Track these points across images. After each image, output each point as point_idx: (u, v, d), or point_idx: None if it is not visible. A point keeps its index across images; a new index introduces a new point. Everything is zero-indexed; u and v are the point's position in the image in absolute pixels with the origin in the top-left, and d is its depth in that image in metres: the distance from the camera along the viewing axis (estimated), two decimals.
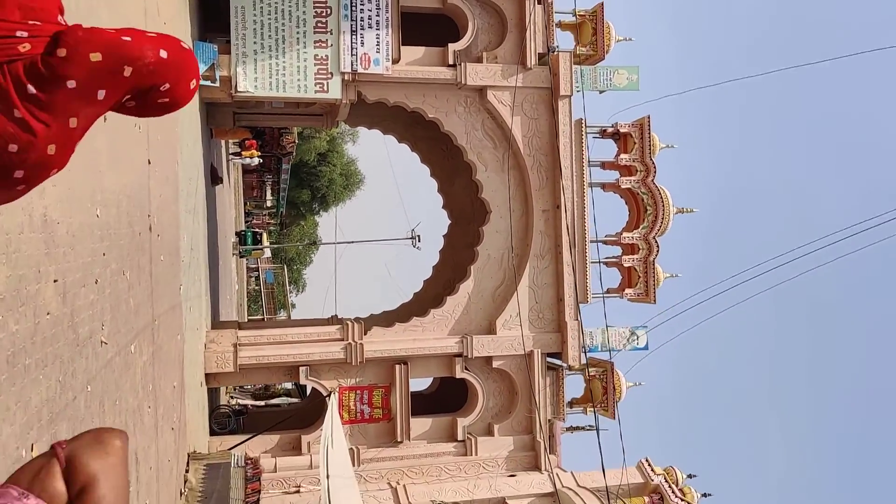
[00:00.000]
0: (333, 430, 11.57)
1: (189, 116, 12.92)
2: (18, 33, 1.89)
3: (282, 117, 18.27)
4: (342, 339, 14.80)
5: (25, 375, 4.34)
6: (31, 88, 1.88)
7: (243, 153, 25.04)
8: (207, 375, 14.05)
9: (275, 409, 16.96)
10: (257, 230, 39.13)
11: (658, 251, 16.57)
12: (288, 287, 63.79)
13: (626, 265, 16.56)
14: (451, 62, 15.04)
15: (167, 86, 2.04)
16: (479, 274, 15.55)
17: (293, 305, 68.06)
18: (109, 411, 6.34)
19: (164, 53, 2.01)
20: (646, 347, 16.03)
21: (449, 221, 18.75)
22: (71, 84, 1.91)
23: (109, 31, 1.99)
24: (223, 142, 21.90)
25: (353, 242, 33.47)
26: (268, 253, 53.99)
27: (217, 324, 16.73)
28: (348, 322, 14.94)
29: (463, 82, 14.93)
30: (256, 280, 59.38)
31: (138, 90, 2.03)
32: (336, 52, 14.33)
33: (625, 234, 16.54)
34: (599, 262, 16.72)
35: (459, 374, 15.12)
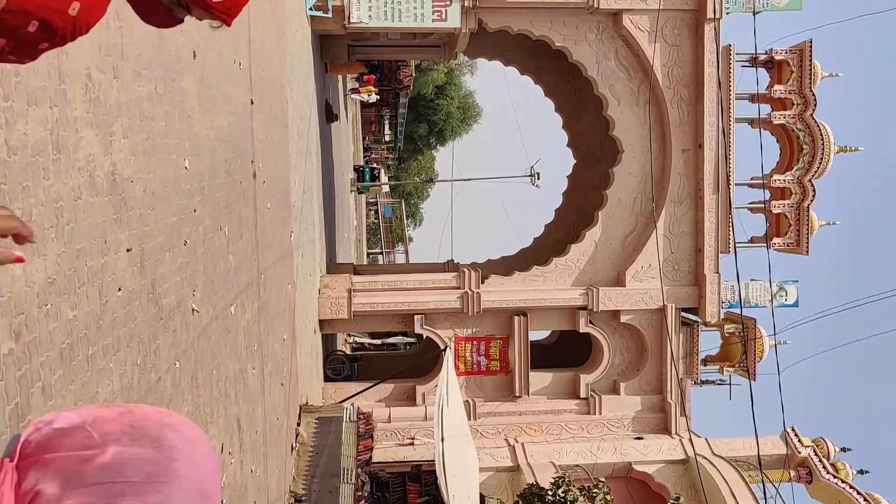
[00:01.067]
0: (449, 388, 10.84)
1: (299, 49, 12.14)
2: None
3: (398, 50, 17.27)
4: (458, 288, 13.98)
5: (89, 367, 3.65)
6: None
7: (361, 89, 24.33)
8: (321, 322, 13.64)
9: (391, 354, 16.55)
10: (375, 166, 38.84)
11: (814, 196, 14.64)
12: (405, 221, 64.13)
13: (774, 211, 14.74)
14: None
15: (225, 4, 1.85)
16: (607, 220, 14.23)
17: (410, 239, 68.48)
18: (204, 384, 5.73)
19: None
20: (796, 304, 14.32)
21: (574, 161, 17.36)
22: None
23: None
24: (339, 77, 21.22)
25: (469, 180, 32.49)
26: (386, 188, 54.07)
27: (332, 267, 16.32)
28: (465, 269, 14.08)
29: (595, 5, 13.35)
30: (375, 214, 59.87)
31: None
32: None
33: (776, 177, 14.67)
34: (744, 207, 15.00)
35: (584, 328, 14.03)
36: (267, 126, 8.97)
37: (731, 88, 13.97)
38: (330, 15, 12.99)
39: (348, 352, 20.24)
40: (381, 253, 59.75)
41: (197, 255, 5.62)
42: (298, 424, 10.68)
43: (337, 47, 16.33)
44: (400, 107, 46.26)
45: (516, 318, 13.94)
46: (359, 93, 24.84)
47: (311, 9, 12.81)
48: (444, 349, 11.66)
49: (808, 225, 14.66)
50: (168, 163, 4.96)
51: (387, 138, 60.51)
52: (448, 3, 13.16)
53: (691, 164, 13.97)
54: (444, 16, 13.24)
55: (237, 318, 7.01)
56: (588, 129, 17.03)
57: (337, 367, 14.95)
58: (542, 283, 14.15)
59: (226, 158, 6.69)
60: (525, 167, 30.52)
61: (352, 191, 33.81)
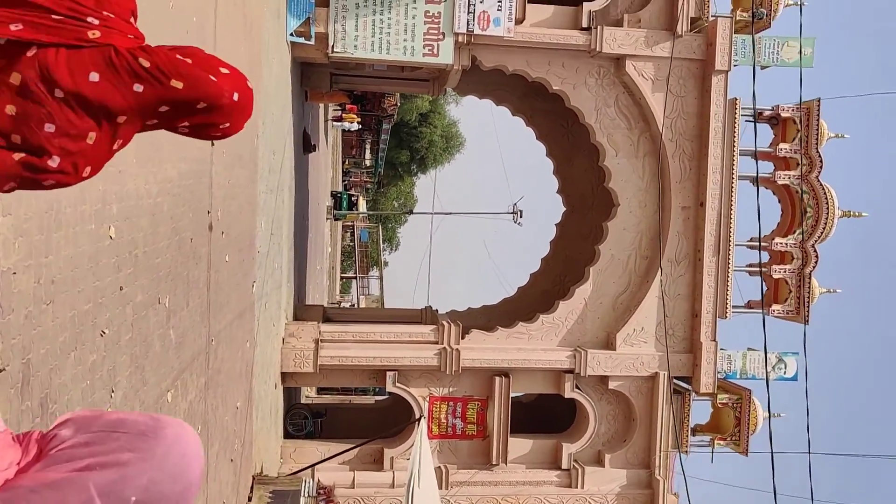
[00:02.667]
0: (422, 462, 9.70)
1: (276, 81, 11.10)
2: (89, 19, 1.91)
3: (384, 82, 16.30)
4: (436, 343, 12.89)
5: None
6: (95, 76, 1.90)
7: (344, 117, 23.33)
8: (284, 375, 12.46)
9: (357, 406, 15.36)
10: (353, 193, 37.80)
11: (817, 262, 13.81)
12: (382, 245, 63.09)
13: (775, 276, 13.88)
14: (584, 25, 12.60)
15: (227, 125, 2.11)
16: (599, 277, 13.26)
17: (386, 264, 67.40)
18: None
19: (236, 97, 2.05)
20: (795, 378, 13.41)
21: (564, 208, 16.43)
22: (138, 88, 1.95)
23: (196, 64, 2.00)
24: (321, 104, 20.21)
25: (450, 213, 31.51)
26: (363, 209, 52.93)
27: (300, 310, 15.15)
28: (444, 322, 13.00)
29: (598, 49, 12.49)
30: (351, 236, 58.60)
31: (200, 123, 2.08)
32: (450, 9, 12.15)
33: (777, 240, 13.83)
34: (742, 269, 14.12)
35: (569, 393, 12.98)
36: (231, 168, 7.88)
37: (734, 144, 13.15)
38: (312, 42, 11.99)
39: (313, 394, 19.02)
40: (355, 277, 58.63)
41: (120, 345, 4.49)
42: (250, 500, 9.47)
43: (318, 75, 15.30)
44: (382, 132, 45.38)
45: (497, 378, 12.87)
46: (341, 121, 23.87)
47: (291, 34, 11.80)
48: (419, 418, 10.53)
49: (808, 292, 13.82)
50: (82, 236, 3.86)
51: (367, 162, 59.59)
52: (441, 37, 12.22)
53: (691, 222, 13.08)
54: (435, 50, 12.29)
55: (176, 403, 5.86)
56: (580, 177, 16.13)
57: (298, 423, 13.73)
58: (527, 341, 13.11)
59: (172, 215, 5.58)
60: (508, 204, 29.66)
61: (328, 218, 32.69)
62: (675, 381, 13.32)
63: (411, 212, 37.09)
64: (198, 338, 6.61)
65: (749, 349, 13.61)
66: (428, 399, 12.91)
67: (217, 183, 7.18)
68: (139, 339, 4.86)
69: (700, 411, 14.51)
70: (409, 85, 16.35)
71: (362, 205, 43.49)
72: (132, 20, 2.07)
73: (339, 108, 23.39)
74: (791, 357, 13.32)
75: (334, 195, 35.05)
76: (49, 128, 1.85)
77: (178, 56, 2.00)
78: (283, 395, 13.26)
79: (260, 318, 10.23)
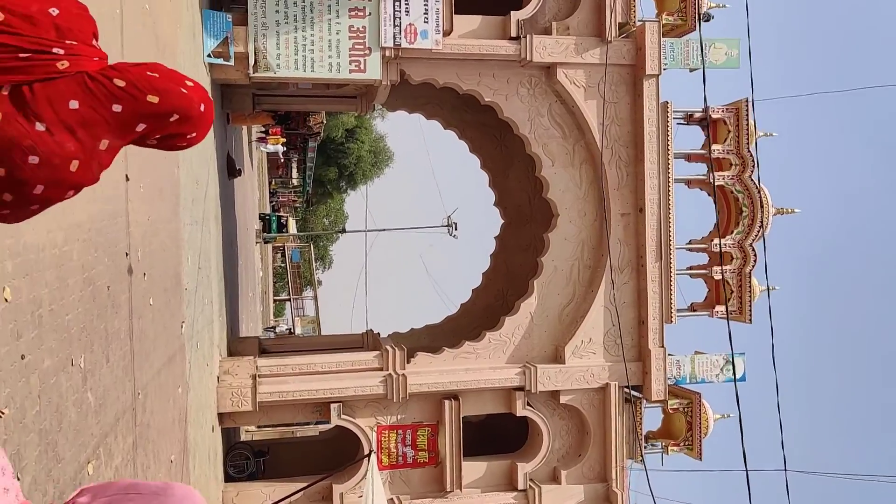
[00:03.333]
0: (375, 499, 9.16)
1: None
2: (55, 50, 1.94)
3: (308, 100, 15.72)
4: (381, 369, 12.36)
5: None
6: (75, 103, 1.95)
7: (268, 139, 22.60)
8: (221, 415, 11.71)
9: (303, 440, 14.64)
10: (282, 214, 36.86)
11: (755, 260, 13.86)
12: (314, 264, 62.12)
13: (716, 277, 13.87)
14: (513, 34, 12.35)
15: (194, 134, 2.20)
16: (543, 289, 12.98)
17: (319, 283, 66.31)
18: None
19: (202, 107, 2.15)
20: (743, 378, 13.39)
21: (503, 221, 16.14)
22: (116, 108, 2.01)
23: (166, 79, 2.07)
24: (244, 126, 19.46)
25: (383, 230, 30.99)
26: (293, 230, 51.86)
27: (235, 344, 14.38)
28: (388, 348, 12.49)
29: (528, 59, 12.25)
30: (283, 257, 57.40)
31: (170, 133, 2.16)
32: (376, 23, 11.71)
33: (716, 241, 13.82)
34: (683, 273, 14.08)
35: (521, 411, 12.63)
36: (150, 203, 7.23)
37: (669, 148, 13.08)
38: (232, 63, 11.36)
39: (254, 429, 18.19)
40: (289, 299, 57.48)
41: (25, 423, 3.86)
42: None
43: (240, 97, 14.63)
44: (309, 151, 44.54)
45: (447, 401, 12.42)
46: (266, 142, 23.11)
47: (209, 55, 11.15)
48: (369, 454, 9.98)
49: (749, 291, 13.86)
50: None
51: (295, 182, 58.52)
52: (367, 52, 11.76)
53: (632, 229, 12.94)
54: (362, 66, 11.82)
55: (99, 473, 5.20)
56: (517, 188, 15.89)
57: (240, 465, 12.96)
58: (475, 360, 12.71)
59: (83, 263, 4.95)
60: (442, 217, 29.34)
61: (257, 242, 31.73)
62: (626, 389, 13.13)
63: (343, 230, 36.39)
64: (122, 394, 5.95)
65: (697, 352, 13.54)
66: (376, 429, 12.36)
67: (135, 221, 6.54)
68: (49, 412, 4.23)
69: (652, 418, 14.39)
70: (335, 102, 15.82)
71: (292, 225, 42.55)
72: (94, 42, 2.09)
73: (262, 129, 22.63)
74: (738, 358, 13.30)
75: (262, 218, 34.10)
76: (33, 159, 1.89)
77: (147, 72, 2.06)
78: (222, 437, 12.50)
79: (192, 359, 9.53)
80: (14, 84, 1.89)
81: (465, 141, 15.93)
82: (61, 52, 1.95)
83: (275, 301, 60.01)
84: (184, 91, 2.11)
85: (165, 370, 7.79)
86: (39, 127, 1.90)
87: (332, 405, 12.05)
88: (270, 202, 53.12)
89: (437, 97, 15.17)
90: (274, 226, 33.76)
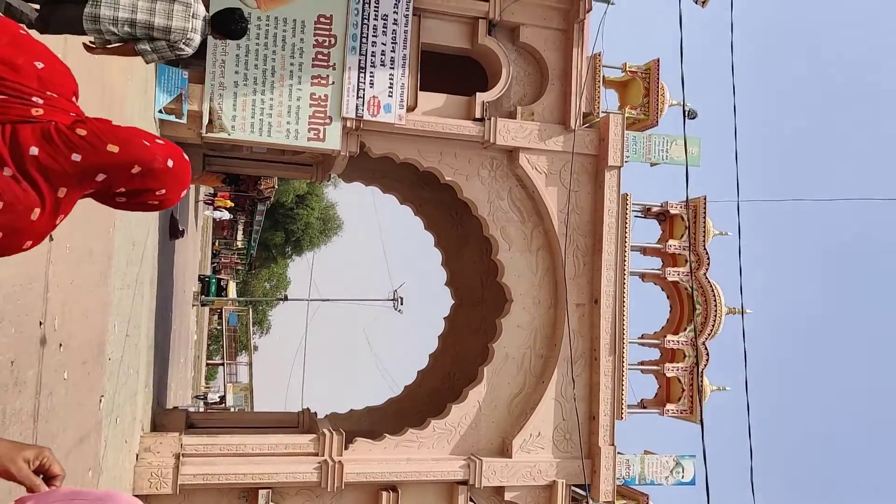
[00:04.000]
0: None
1: None
2: (34, 98, 2.07)
3: (263, 165, 15.23)
4: (316, 455, 11.54)
5: None
6: (35, 150, 2.01)
7: (215, 202, 21.94)
8: (137, 496, 10.65)
9: None
10: (222, 277, 35.78)
11: (708, 360, 13.65)
12: (252, 329, 60.54)
13: (668, 374, 13.57)
14: (478, 115, 12.18)
15: (163, 191, 2.23)
16: (493, 378, 12.45)
17: (256, 348, 64.53)
18: None
19: (170, 163, 2.21)
20: (692, 482, 12.95)
21: (453, 301, 15.68)
22: (76, 157, 2.06)
23: (132, 132, 2.19)
24: (191, 185, 18.83)
25: (327, 300, 30.21)
26: (233, 294, 50.47)
27: (161, 416, 13.37)
28: (325, 431, 11.70)
29: (491, 141, 12.06)
30: (219, 319, 55.69)
31: (135, 189, 2.19)
32: (338, 93, 11.39)
33: (669, 337, 13.59)
34: (635, 368, 13.74)
35: None
36: (77, 265, 6.55)
37: (626, 239, 12.92)
38: (184, 121, 10.84)
39: None
40: (223, 364, 55.55)
41: None
42: None
43: (190, 157, 14.04)
44: (257, 214, 43.80)
45: (384, 493, 11.61)
46: (212, 205, 22.40)
47: (160, 111, 10.62)
48: None
49: (700, 391, 13.57)
50: None
51: (239, 244, 57.39)
52: (328, 121, 11.39)
53: (586, 320, 12.61)
54: (321, 135, 11.44)
55: None
56: (470, 269, 15.51)
57: None
58: (417, 449, 12.00)
59: None
60: (388, 290, 28.75)
61: (194, 305, 30.56)
62: (573, 488, 12.53)
63: (286, 298, 35.45)
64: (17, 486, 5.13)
65: (647, 452, 13.08)
66: None
67: (56, 285, 5.86)
68: None
69: None
70: (290, 169, 15.36)
71: (232, 289, 41.39)
72: (73, 99, 2.20)
73: (210, 192, 21.96)
74: (688, 460, 12.89)
75: (202, 279, 33.00)
76: None
77: (113, 125, 2.11)
78: None
79: (108, 437, 8.63)
80: None
81: (421, 217, 15.58)
82: (40, 101, 2.04)
83: (208, 365, 58.05)
84: (146, 143, 2.13)
85: (76, 452, 6.94)
86: (6, 172, 1.92)
87: (261, 491, 11.13)
88: (212, 263, 51.80)
89: (396, 171, 14.86)
90: (213, 289, 32.67)
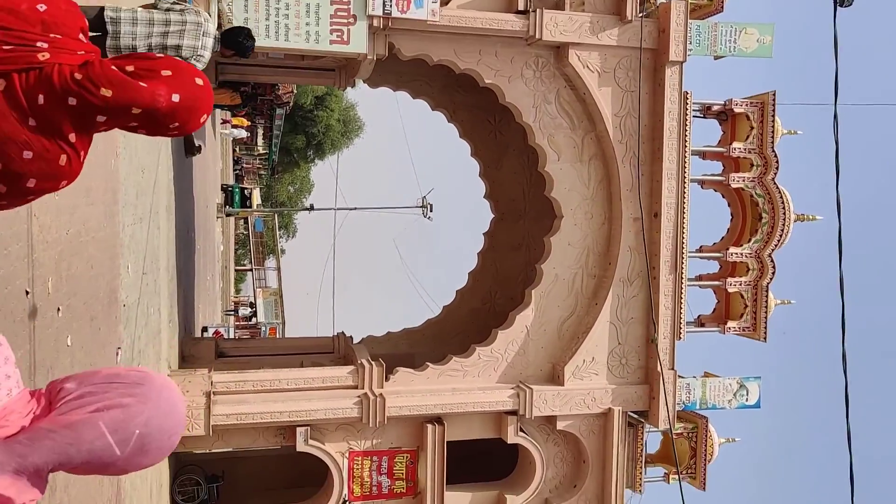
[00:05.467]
0: None
1: None
2: (38, 44, 2.07)
3: (280, 71, 13.86)
4: (356, 387, 10.81)
5: None
6: (41, 99, 2.06)
7: (233, 120, 20.66)
8: None
9: (261, 456, 13.09)
10: (245, 186, 34.79)
11: (774, 273, 12.52)
12: (278, 233, 60.30)
13: (730, 290, 12.51)
14: (520, 7, 10.68)
15: (176, 124, 2.27)
16: (541, 300, 11.48)
17: (283, 251, 64.48)
18: None
19: (176, 97, 2.20)
20: (757, 405, 12.11)
21: (493, 216, 14.56)
22: (71, 101, 2.09)
23: (128, 74, 2.15)
24: None
25: (354, 209, 29.22)
26: (258, 201, 49.79)
27: (188, 344, 12.66)
28: (364, 362, 10.92)
29: (536, 36, 10.61)
30: (245, 224, 55.41)
31: (147, 123, 2.23)
32: None
33: (732, 250, 12.43)
34: (693, 284, 12.68)
35: (513, 437, 11.19)
36: (71, 211, 5.50)
37: (686, 144, 11.59)
38: None
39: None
40: (251, 269, 55.63)
41: None
42: None
43: None
44: (276, 118, 42.34)
45: (429, 426, 10.91)
46: (229, 125, 21.12)
47: None
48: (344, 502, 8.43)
49: (765, 307, 12.54)
50: None
51: (260, 149, 56.17)
52: (352, 21, 9.99)
53: (644, 235, 11.46)
54: (345, 37, 10.06)
55: None
56: (510, 180, 14.30)
57: (189, 491, 11.33)
58: (462, 379, 11.20)
59: None
60: (416, 197, 27.64)
61: (218, 217, 29.74)
62: (630, 414, 11.76)
63: (312, 208, 34.48)
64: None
65: (707, 374, 12.21)
66: (347, 455, 10.83)
67: (45, 241, 4.83)
68: None
69: (650, 439, 13.08)
70: (310, 75, 13.99)
71: (256, 197, 40.50)
72: (81, 36, 2.22)
73: (225, 118, 20.61)
74: (753, 382, 12.00)
75: (225, 189, 32.03)
76: (27, 154, 2.06)
77: (112, 66, 2.14)
78: (169, 460, 10.85)
79: None
80: (5, 77, 2.00)
81: (456, 124, 14.25)
82: (45, 45, 2.08)
83: (236, 271, 58.25)
84: (143, 85, 2.13)
85: None
86: (31, 122, 2.03)
87: (298, 429, 10.47)
88: (234, 170, 50.82)
89: (426, 74, 13.46)
90: (237, 198, 31.71)
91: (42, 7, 2.09)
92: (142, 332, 8.47)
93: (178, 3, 4.82)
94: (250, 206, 32.38)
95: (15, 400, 1.72)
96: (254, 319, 44.90)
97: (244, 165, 57.34)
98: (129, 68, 2.16)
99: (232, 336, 20.90)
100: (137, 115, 2.15)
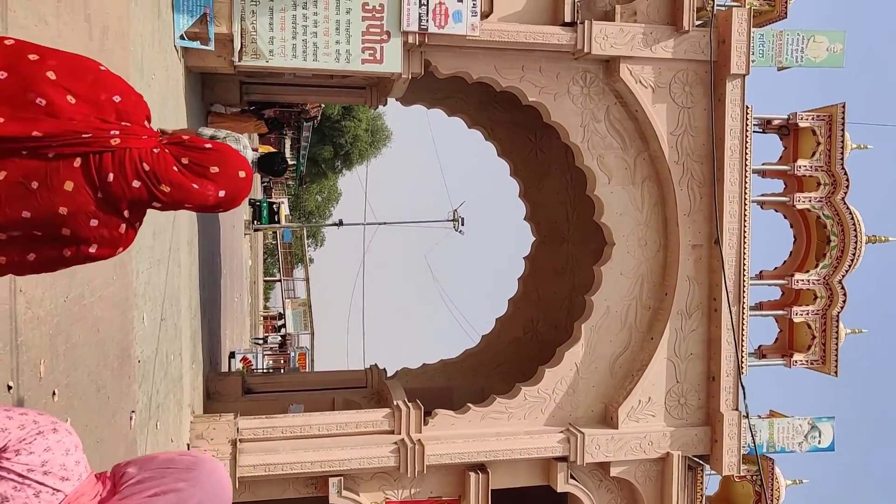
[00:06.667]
0: None
1: (162, 99, 7.88)
2: (112, 131, 2.41)
3: (307, 90, 13.15)
4: (392, 433, 10.00)
5: None
6: (111, 176, 2.38)
7: (260, 148, 20.12)
8: None
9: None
10: (274, 201, 34.23)
11: (845, 301, 11.48)
12: (306, 242, 60.04)
13: (796, 319, 11.50)
14: (567, 19, 9.82)
15: (221, 210, 2.72)
16: (592, 335, 10.58)
17: (311, 261, 64.18)
18: None
19: (222, 193, 2.56)
20: (831, 447, 11.07)
21: (534, 238, 13.67)
22: (136, 184, 2.43)
23: (183, 166, 2.50)
24: None
25: (383, 224, 28.48)
26: (286, 212, 49.39)
27: (214, 382, 11.95)
28: (400, 405, 10.11)
29: (585, 50, 9.75)
30: (274, 235, 55.14)
31: (195, 210, 2.70)
32: (397, 1, 9.15)
33: (798, 276, 11.43)
34: (755, 315, 11.67)
35: (563, 486, 10.29)
36: (75, 273, 4.75)
37: (747, 163, 10.62)
38: (211, 48, 8.81)
39: None
40: (280, 280, 55.35)
41: None
42: None
43: (224, 86, 12.04)
44: (304, 130, 41.85)
45: (472, 474, 10.05)
46: (256, 153, 20.61)
47: (181, 37, 8.58)
48: None
49: (836, 338, 11.51)
50: None
51: (288, 160, 55.83)
52: (385, 38, 9.21)
53: (704, 263, 10.53)
54: (378, 55, 9.28)
55: None
56: (552, 200, 13.42)
57: None
58: (507, 421, 10.34)
59: None
60: (447, 210, 26.79)
61: (246, 234, 29.17)
62: (690, 459, 10.80)
63: (341, 223, 33.83)
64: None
65: (773, 413, 11.22)
66: None
67: (35, 318, 4.08)
68: None
69: (711, 481, 12.08)
70: (340, 94, 13.25)
71: (284, 211, 40.00)
72: (146, 123, 2.56)
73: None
74: (826, 423, 10.98)
75: (252, 204, 31.52)
76: (94, 222, 2.39)
77: (174, 168, 2.48)
78: None
79: (149, 446, 7.12)
80: (83, 157, 2.33)
81: (494, 143, 13.40)
82: (117, 132, 2.39)
83: (265, 281, 58.04)
84: (195, 187, 2.50)
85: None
86: (99, 195, 2.34)
87: (331, 479, 9.67)
88: (263, 181, 50.56)
89: (462, 90, 12.64)
90: (265, 213, 31.15)
91: (117, 98, 2.42)
92: (160, 384, 7.73)
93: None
94: (278, 221, 31.82)
95: (84, 483, 1.89)
96: (283, 330, 44.38)
97: (273, 179, 57.08)
98: (184, 161, 2.47)
99: (260, 363, 20.26)
100: (188, 207, 2.55)
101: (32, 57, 2.33)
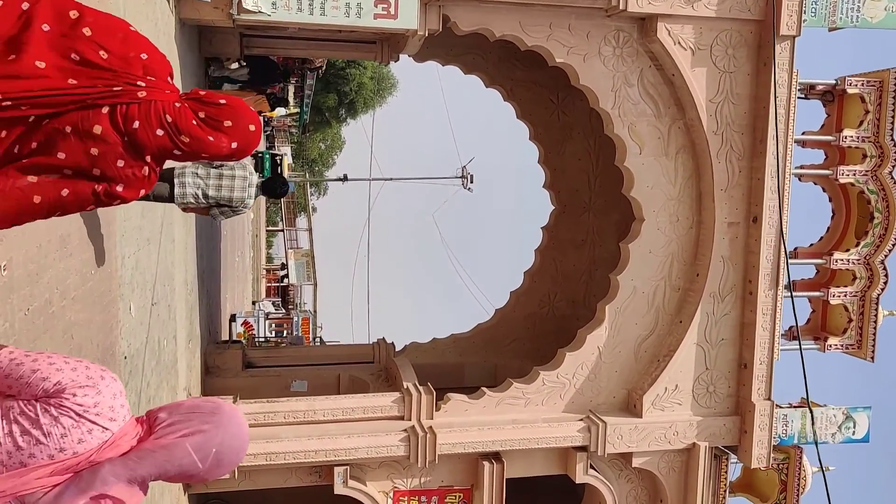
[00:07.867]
0: None
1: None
2: (139, 83, 2.66)
3: (312, 45, 12.18)
4: (401, 418, 9.37)
5: None
6: (136, 123, 2.67)
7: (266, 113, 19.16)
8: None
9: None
10: (276, 154, 33.29)
11: (886, 283, 10.74)
12: (309, 191, 59.23)
13: (833, 301, 10.76)
14: None
15: (233, 159, 3.03)
16: (617, 317, 9.86)
17: (314, 209, 63.52)
18: None
19: (234, 145, 2.90)
20: (866, 438, 10.46)
21: (553, 207, 12.84)
22: (159, 133, 2.74)
23: (200, 119, 2.82)
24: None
25: (390, 179, 27.61)
26: (289, 160, 48.41)
27: (213, 355, 11.29)
28: (410, 388, 9.47)
29: (619, 7, 8.80)
30: None
31: (210, 159, 2.98)
32: None
33: (837, 255, 10.65)
34: (788, 295, 10.93)
35: (582, 476, 9.70)
36: (39, 278, 3.99)
37: (790, 134, 9.74)
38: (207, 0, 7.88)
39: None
40: (283, 230, 54.70)
41: None
42: None
43: (222, 39, 11.08)
44: (308, 78, 40.61)
45: (486, 463, 9.46)
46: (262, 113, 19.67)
47: None
48: None
49: (874, 322, 10.79)
50: None
51: (291, 108, 54.53)
52: None
53: (740, 243, 9.74)
54: (392, 10, 8.36)
55: None
56: (573, 167, 12.56)
57: None
58: (524, 408, 9.70)
59: None
60: (455, 166, 25.88)
61: None
62: (717, 449, 10.20)
63: (345, 178, 32.93)
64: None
65: (804, 400, 10.56)
66: (392, 495, 9.46)
67: None
68: None
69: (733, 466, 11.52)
70: (347, 49, 12.28)
71: (287, 162, 39.08)
72: (169, 79, 2.85)
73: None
74: (862, 413, 10.34)
75: (255, 156, 30.63)
76: (120, 163, 2.68)
77: (193, 121, 2.80)
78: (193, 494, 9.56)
79: None
80: (111, 106, 2.60)
81: (513, 103, 12.47)
82: (143, 84, 2.65)
83: (267, 231, 57.44)
84: (210, 139, 2.83)
85: None
86: (126, 139, 2.64)
87: (336, 468, 9.08)
88: (265, 130, 49.42)
89: (479, 46, 11.68)
90: (268, 164, 30.22)
91: (144, 55, 2.71)
92: (151, 376, 7.05)
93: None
94: (281, 173, 30.90)
95: (127, 424, 2.12)
96: (285, 280, 43.81)
97: (274, 125, 55.88)
98: (201, 114, 2.81)
99: (262, 329, 19.69)
100: (203, 156, 2.89)
101: (73, 14, 2.58)
